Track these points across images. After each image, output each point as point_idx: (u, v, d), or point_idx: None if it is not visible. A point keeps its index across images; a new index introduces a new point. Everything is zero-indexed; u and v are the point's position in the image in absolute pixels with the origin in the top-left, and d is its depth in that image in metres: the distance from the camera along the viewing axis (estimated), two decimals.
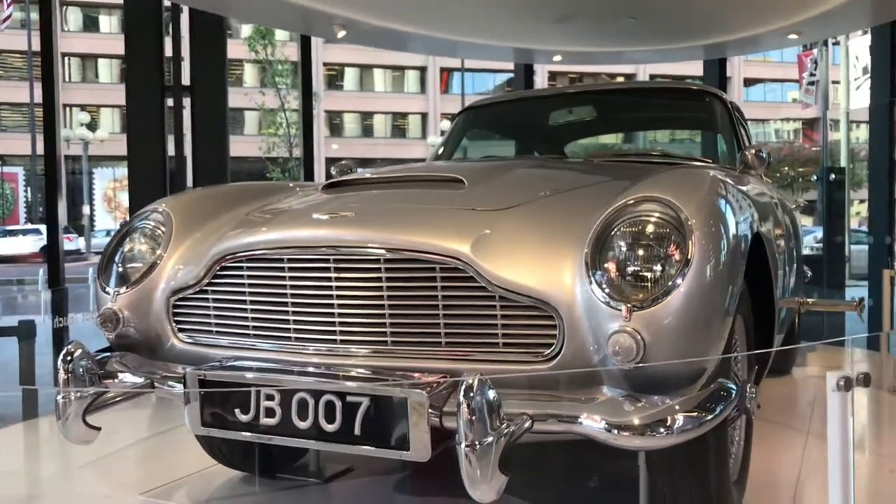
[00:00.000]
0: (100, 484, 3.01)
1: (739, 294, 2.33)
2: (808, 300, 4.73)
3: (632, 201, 2.01)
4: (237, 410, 2.08)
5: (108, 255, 2.57)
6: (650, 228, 1.96)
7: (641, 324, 1.84)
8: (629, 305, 1.86)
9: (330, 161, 42.34)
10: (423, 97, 45.21)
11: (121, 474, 3.14)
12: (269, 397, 2.04)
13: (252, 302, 2.25)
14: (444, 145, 3.99)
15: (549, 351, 1.96)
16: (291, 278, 2.18)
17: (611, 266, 1.93)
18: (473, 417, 1.67)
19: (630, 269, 1.93)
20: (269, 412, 2.04)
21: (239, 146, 37.49)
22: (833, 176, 7.63)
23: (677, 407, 1.88)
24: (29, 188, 36.28)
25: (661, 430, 1.81)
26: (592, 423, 1.82)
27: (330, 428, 1.96)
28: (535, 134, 4.12)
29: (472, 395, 1.68)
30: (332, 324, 2.13)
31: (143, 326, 2.43)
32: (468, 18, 6.22)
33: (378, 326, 2.08)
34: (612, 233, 1.97)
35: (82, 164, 35.04)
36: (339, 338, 2.13)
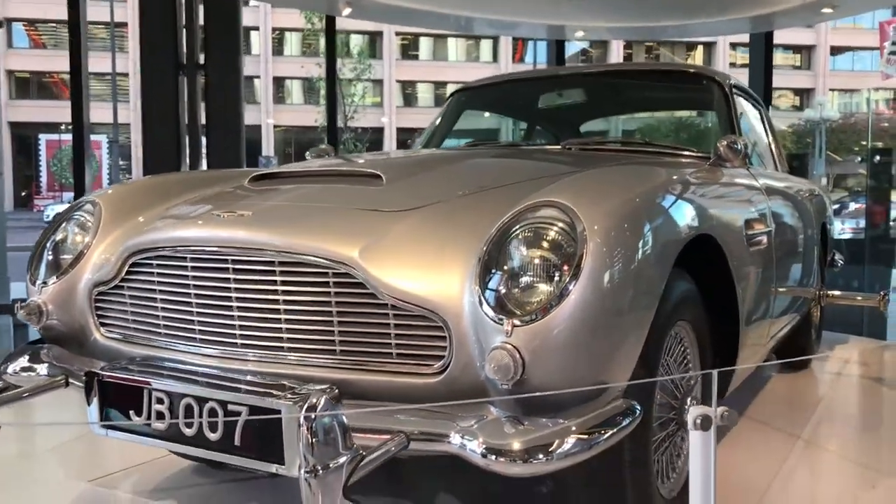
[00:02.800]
0: (57, 470, 3.03)
1: (681, 300, 2.18)
2: (829, 292, 4.48)
3: (531, 206, 1.87)
4: (132, 412, 2.03)
5: (39, 246, 2.54)
6: (543, 237, 1.81)
7: (522, 341, 1.71)
8: (512, 320, 1.72)
9: (402, 132, 42.52)
10: (495, 66, 44.78)
11: (77, 460, 3.15)
12: (160, 401, 1.98)
13: (162, 300, 2.20)
14: (435, 128, 3.86)
15: (438, 364, 1.84)
16: (194, 278, 2.11)
17: (499, 276, 1.79)
18: (315, 440, 1.57)
19: (517, 280, 1.78)
20: (160, 416, 1.98)
21: (310, 115, 37.99)
22: (878, 158, 7.25)
23: (573, 428, 1.74)
24: (111, 155, 37.61)
25: (541, 455, 1.68)
26: (469, 445, 1.71)
27: (213, 437, 1.88)
28: (527, 116, 3.95)
29: (314, 416, 1.57)
30: (233, 326, 2.06)
31: (67, 319, 2.40)
32: None
33: (275, 332, 2.00)
34: (507, 240, 1.83)
35: None
36: (238, 341, 2.06)
